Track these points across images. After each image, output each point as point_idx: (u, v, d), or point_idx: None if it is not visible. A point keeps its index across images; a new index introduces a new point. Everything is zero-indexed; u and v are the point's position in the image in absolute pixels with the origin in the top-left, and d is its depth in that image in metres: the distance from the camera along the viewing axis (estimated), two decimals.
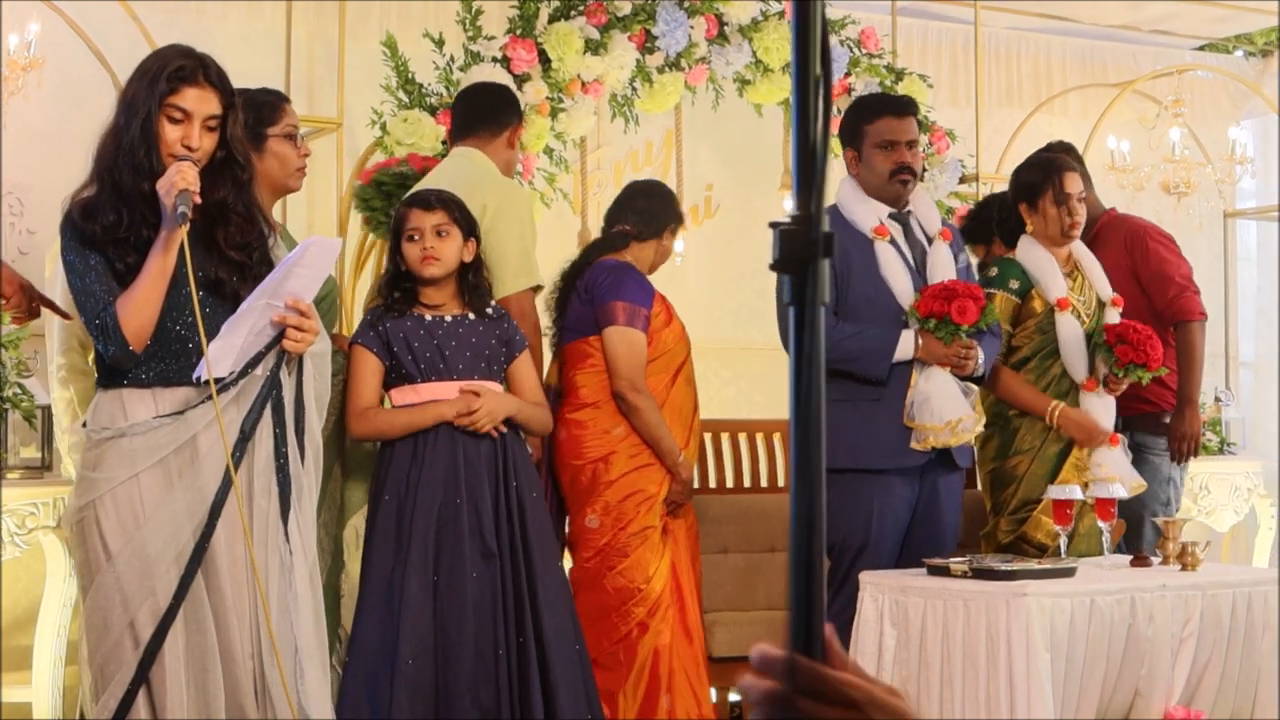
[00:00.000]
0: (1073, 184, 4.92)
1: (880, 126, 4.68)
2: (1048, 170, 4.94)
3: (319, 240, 3.46)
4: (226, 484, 3.34)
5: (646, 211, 4.90)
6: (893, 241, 4.67)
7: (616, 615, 4.62)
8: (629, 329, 4.68)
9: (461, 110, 4.78)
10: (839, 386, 4.52)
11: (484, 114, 4.70)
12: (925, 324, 4.52)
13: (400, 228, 4.20)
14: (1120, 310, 4.96)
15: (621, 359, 4.67)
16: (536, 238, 4.57)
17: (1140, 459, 5.30)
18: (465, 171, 4.46)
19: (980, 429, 4.66)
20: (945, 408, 4.54)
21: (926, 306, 4.51)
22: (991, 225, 5.25)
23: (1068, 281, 4.92)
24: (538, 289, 4.59)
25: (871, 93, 5.40)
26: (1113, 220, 5.52)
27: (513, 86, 5.22)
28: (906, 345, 4.55)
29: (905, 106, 4.80)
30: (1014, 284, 4.89)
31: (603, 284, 4.72)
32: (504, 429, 4.16)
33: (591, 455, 4.68)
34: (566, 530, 4.78)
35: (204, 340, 3.28)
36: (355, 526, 4.40)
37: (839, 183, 4.89)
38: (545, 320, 4.88)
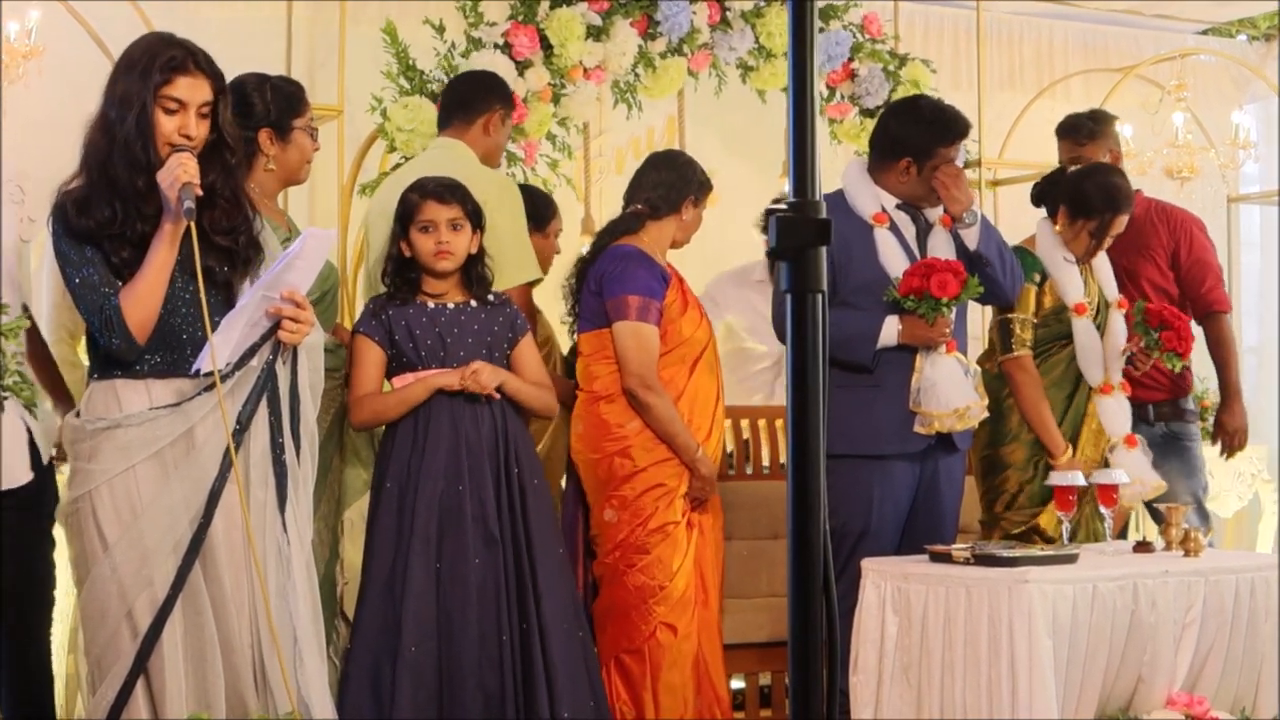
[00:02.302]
0: (1119, 227, 4.92)
1: (952, 151, 4.65)
2: (1107, 203, 4.89)
3: (314, 232, 3.46)
4: (223, 474, 3.33)
5: (661, 185, 4.72)
6: (894, 229, 4.65)
7: (637, 613, 4.53)
8: (639, 324, 4.54)
9: (441, 100, 4.77)
10: (837, 373, 4.50)
11: (457, 104, 4.66)
12: (906, 302, 4.49)
13: (411, 216, 4.18)
14: (1124, 312, 4.97)
15: (631, 355, 4.54)
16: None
17: (1178, 448, 5.31)
18: (449, 164, 4.39)
19: (986, 414, 4.64)
20: (952, 395, 4.52)
21: (906, 285, 4.48)
22: (1058, 195, 5.03)
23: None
24: (535, 282, 4.57)
25: (936, 103, 4.87)
26: (1154, 204, 5.55)
27: (513, 73, 5.20)
28: (890, 331, 4.51)
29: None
30: (1036, 276, 4.88)
31: (611, 275, 4.58)
32: (496, 395, 4.15)
33: (608, 449, 4.58)
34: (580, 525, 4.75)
35: (209, 330, 3.28)
36: (349, 516, 4.40)
37: (845, 166, 4.87)
38: (561, 309, 4.84)
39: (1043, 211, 5.05)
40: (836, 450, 4.38)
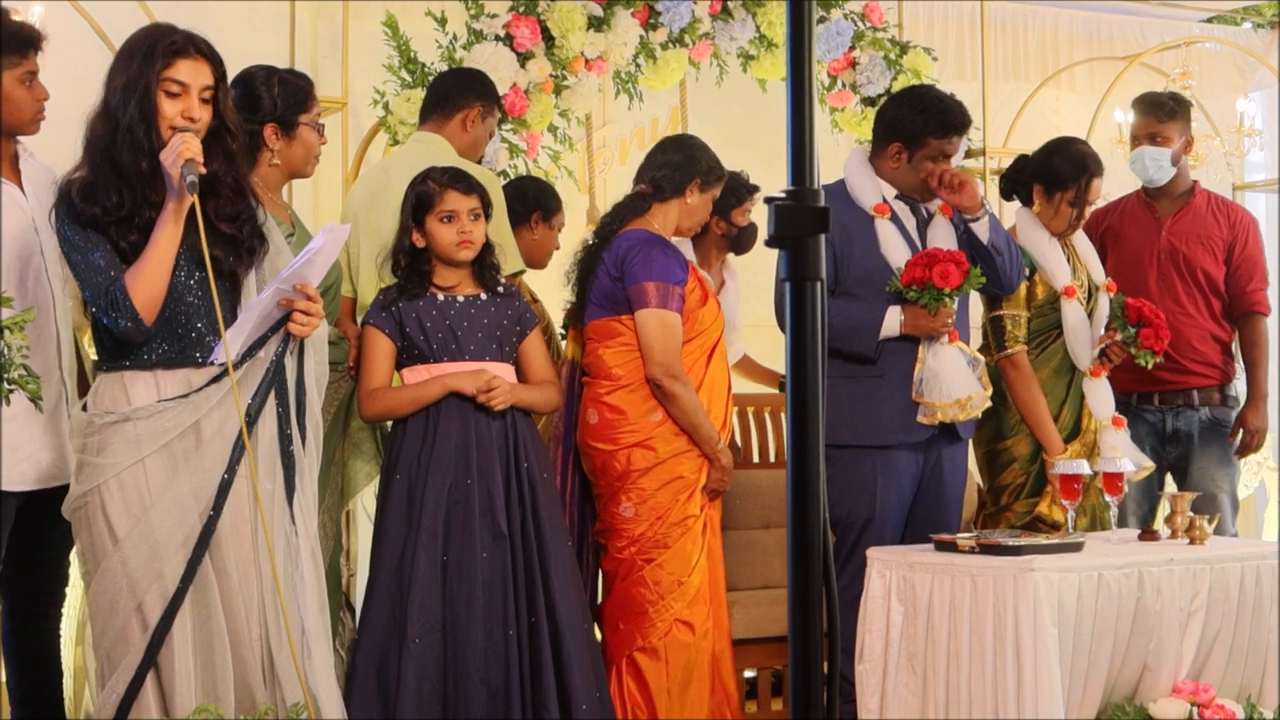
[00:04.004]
0: (1096, 192, 4.92)
1: (946, 144, 4.62)
2: (1079, 169, 4.90)
3: (333, 227, 3.46)
4: (232, 467, 3.34)
5: (667, 166, 4.61)
6: (895, 219, 4.65)
7: (654, 610, 4.43)
8: (663, 311, 4.43)
9: (425, 96, 4.80)
10: (841, 363, 4.50)
11: (436, 99, 4.69)
12: (908, 293, 4.48)
13: (430, 206, 4.15)
14: (1112, 295, 4.97)
15: (656, 344, 4.42)
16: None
17: (1220, 434, 5.31)
18: (427, 158, 4.38)
19: (989, 404, 4.63)
20: (955, 385, 4.52)
21: (909, 275, 4.47)
22: (1028, 179, 5.01)
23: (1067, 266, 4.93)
24: (518, 274, 4.56)
25: (939, 93, 4.81)
26: (1213, 197, 5.57)
27: (515, 64, 5.21)
28: (892, 321, 4.50)
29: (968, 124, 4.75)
30: (1024, 270, 4.88)
31: (633, 260, 4.46)
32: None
33: (626, 440, 4.47)
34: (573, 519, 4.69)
35: (220, 316, 3.29)
36: (349, 508, 4.40)
37: (847, 155, 4.86)
38: (565, 293, 4.78)
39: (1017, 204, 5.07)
40: (840, 440, 4.39)
